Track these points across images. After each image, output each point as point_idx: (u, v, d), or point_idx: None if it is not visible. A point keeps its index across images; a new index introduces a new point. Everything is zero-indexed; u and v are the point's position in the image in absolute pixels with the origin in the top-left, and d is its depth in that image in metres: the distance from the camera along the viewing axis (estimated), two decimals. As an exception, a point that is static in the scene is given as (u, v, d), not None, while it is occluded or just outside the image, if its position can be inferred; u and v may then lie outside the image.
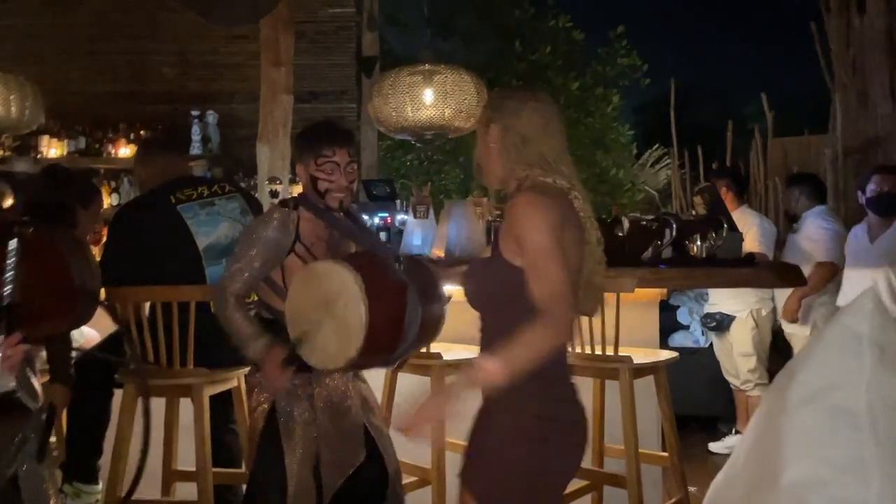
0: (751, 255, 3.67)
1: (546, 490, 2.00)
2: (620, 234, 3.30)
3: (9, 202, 4.55)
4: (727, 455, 5.34)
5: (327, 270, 2.26)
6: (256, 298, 2.68)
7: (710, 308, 5.29)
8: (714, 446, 5.29)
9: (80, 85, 7.23)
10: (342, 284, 2.18)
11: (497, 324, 1.98)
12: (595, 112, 11.44)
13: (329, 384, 2.54)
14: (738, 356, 5.13)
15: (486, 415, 2.04)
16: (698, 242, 3.42)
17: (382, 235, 4.17)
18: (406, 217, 3.86)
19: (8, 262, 1.67)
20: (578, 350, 3.08)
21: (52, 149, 6.78)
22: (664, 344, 5.17)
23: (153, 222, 3.20)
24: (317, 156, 2.52)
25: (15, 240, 1.68)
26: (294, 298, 2.34)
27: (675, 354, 3.34)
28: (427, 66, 3.92)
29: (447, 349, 3.15)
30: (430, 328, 2.42)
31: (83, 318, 2.89)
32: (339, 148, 2.53)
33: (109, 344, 3.31)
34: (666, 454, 3.37)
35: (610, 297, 2.79)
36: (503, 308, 1.97)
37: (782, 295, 4.87)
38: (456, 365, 3.16)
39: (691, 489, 3.40)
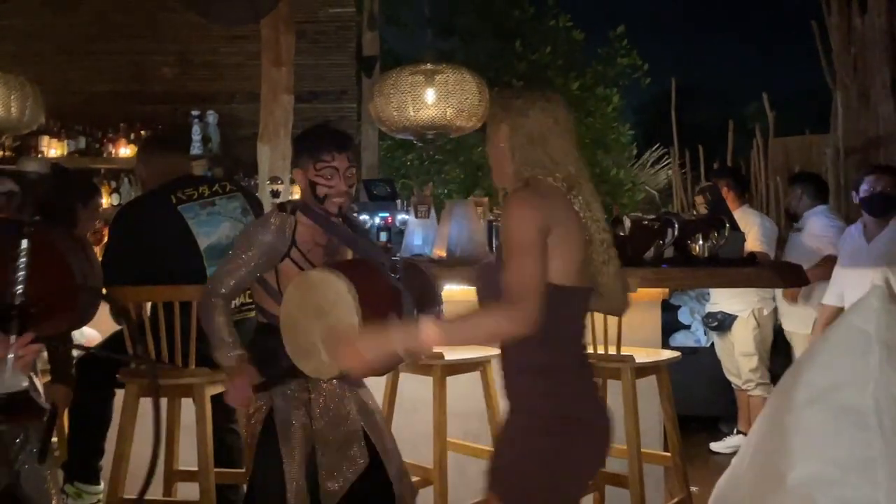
0: (752, 255, 3.66)
1: (563, 488, 2.01)
2: (622, 233, 3.30)
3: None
4: (729, 455, 5.37)
5: (322, 280, 2.25)
6: (251, 300, 2.69)
7: (711, 308, 5.29)
8: (715, 446, 5.29)
9: (80, 85, 7.22)
10: (336, 294, 2.17)
11: None
12: (595, 112, 11.44)
13: (326, 390, 2.52)
14: (739, 356, 5.13)
15: (506, 417, 2.07)
16: (700, 242, 3.42)
17: (383, 235, 4.16)
18: (407, 217, 3.85)
19: (19, 261, 1.66)
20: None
21: (53, 149, 6.77)
22: (665, 344, 5.17)
23: (154, 222, 3.19)
24: (316, 161, 2.49)
25: (26, 239, 1.67)
26: (289, 307, 2.33)
27: (677, 354, 3.34)
28: (429, 66, 3.91)
29: (449, 349, 3.15)
30: None
31: (85, 318, 2.89)
32: (339, 153, 2.50)
33: (111, 344, 3.31)
34: (668, 454, 3.37)
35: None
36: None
37: (782, 299, 4.87)
38: (457, 365, 3.16)
39: (693, 489, 3.39)
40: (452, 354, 3.13)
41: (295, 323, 2.31)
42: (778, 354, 5.25)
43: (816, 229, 4.74)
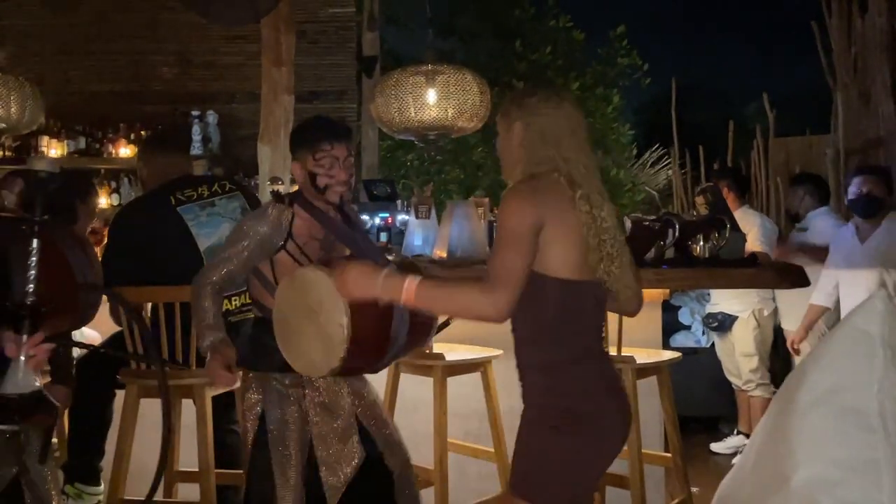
0: (753, 256, 3.66)
1: (573, 483, 2.03)
2: (623, 234, 3.29)
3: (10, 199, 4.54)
4: (729, 455, 5.38)
5: (313, 278, 2.24)
6: (250, 301, 2.69)
7: (711, 308, 5.29)
8: (716, 446, 5.29)
9: (80, 85, 7.22)
10: (327, 293, 2.16)
11: (512, 320, 2.02)
12: (595, 112, 11.43)
13: (320, 385, 2.52)
14: (739, 356, 5.13)
15: (522, 415, 2.10)
16: (701, 243, 3.41)
17: (383, 236, 4.16)
18: (407, 217, 3.85)
19: (30, 260, 1.65)
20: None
21: (52, 149, 6.77)
22: (666, 344, 5.16)
23: (154, 224, 3.18)
24: (314, 151, 2.49)
25: (36, 239, 1.66)
26: (280, 304, 2.33)
27: (677, 355, 3.34)
28: (430, 66, 3.91)
29: (450, 350, 3.15)
30: (421, 332, 2.40)
31: (85, 318, 2.88)
32: (338, 142, 2.51)
33: (111, 344, 3.30)
34: (668, 455, 3.37)
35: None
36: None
37: (784, 295, 4.87)
38: (458, 366, 3.16)
39: (694, 489, 3.39)
40: (453, 355, 3.12)
41: (286, 320, 2.31)
42: (778, 355, 5.24)
43: (823, 230, 4.74)
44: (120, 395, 3.15)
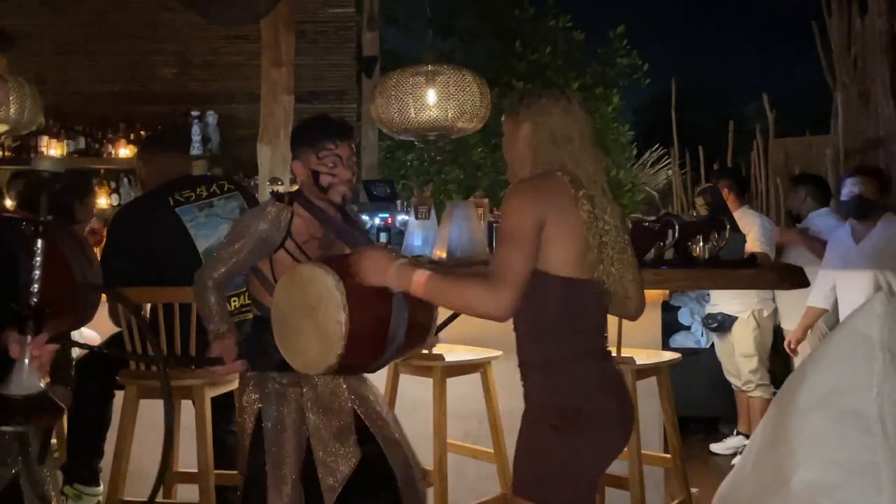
0: (752, 256, 3.66)
1: (574, 481, 2.04)
2: (627, 238, 3.29)
3: (7, 201, 4.54)
4: (729, 456, 5.37)
5: (311, 274, 2.23)
6: (249, 301, 2.70)
7: (711, 309, 5.29)
8: (715, 447, 5.29)
9: (80, 85, 7.22)
10: (324, 289, 2.16)
11: (514, 318, 2.04)
12: (595, 112, 11.43)
13: (319, 383, 2.52)
14: (739, 357, 5.12)
15: (523, 414, 2.11)
16: (700, 243, 3.42)
17: (383, 236, 4.16)
18: (407, 218, 3.85)
19: (35, 261, 1.65)
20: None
21: (52, 149, 6.77)
22: (665, 345, 5.16)
23: (152, 225, 3.18)
24: (318, 149, 2.50)
25: (40, 239, 1.66)
26: (279, 301, 2.33)
27: (677, 356, 3.34)
28: (430, 67, 3.91)
29: (450, 350, 3.14)
30: (419, 332, 2.39)
31: (84, 318, 2.88)
32: (342, 141, 2.52)
33: (110, 345, 3.30)
34: (668, 455, 3.36)
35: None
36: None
37: (784, 296, 4.87)
38: (458, 367, 3.16)
39: (693, 490, 3.39)
40: (453, 355, 3.12)
41: (285, 318, 2.30)
42: (778, 355, 5.24)
43: (823, 230, 4.75)
44: (119, 395, 3.15)
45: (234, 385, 3.06)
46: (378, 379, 2.77)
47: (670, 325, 6.00)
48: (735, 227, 3.57)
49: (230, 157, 6.89)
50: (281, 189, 4.36)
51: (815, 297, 4.44)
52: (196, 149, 6.79)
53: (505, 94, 9.90)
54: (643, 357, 3.16)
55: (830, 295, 4.43)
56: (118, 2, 7.29)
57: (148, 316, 3.12)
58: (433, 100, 3.86)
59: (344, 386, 2.55)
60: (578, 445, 2.01)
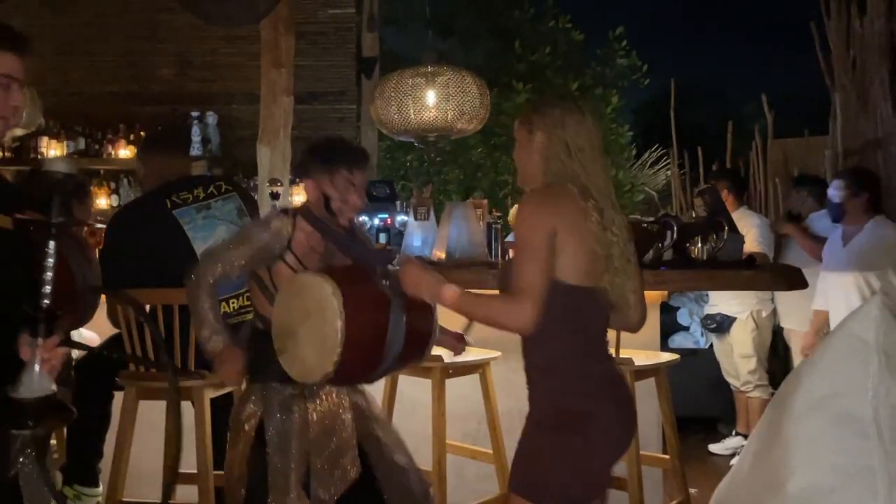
0: (751, 257, 3.67)
1: (571, 483, 2.05)
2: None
3: None
4: (727, 456, 5.38)
5: (310, 283, 2.27)
6: (248, 303, 2.69)
7: (710, 309, 5.30)
8: (714, 447, 5.29)
9: (80, 86, 7.22)
10: (322, 298, 2.19)
11: None
12: (594, 113, 11.41)
13: (323, 397, 2.52)
14: (738, 357, 5.13)
15: (527, 415, 2.14)
16: (699, 244, 3.42)
17: (382, 237, 4.16)
18: (406, 218, 3.85)
19: (47, 262, 1.64)
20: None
21: (52, 150, 6.77)
22: (664, 345, 5.17)
23: (150, 227, 3.19)
24: (333, 175, 2.52)
25: (53, 241, 1.65)
26: (279, 308, 2.36)
27: (675, 357, 3.34)
28: (430, 68, 3.91)
29: (448, 352, 3.14)
30: (418, 344, 2.40)
31: (83, 319, 2.89)
32: (358, 169, 2.54)
33: (110, 346, 3.30)
34: (667, 456, 3.37)
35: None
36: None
37: (783, 296, 4.88)
38: (457, 367, 3.16)
39: (692, 491, 3.40)
40: (451, 357, 3.12)
41: (284, 325, 2.33)
42: (776, 356, 5.25)
43: (824, 232, 4.75)
44: (118, 396, 3.16)
45: (234, 386, 3.06)
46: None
47: (669, 326, 6.01)
48: (734, 228, 3.58)
49: (230, 157, 6.88)
50: (280, 189, 4.37)
51: (819, 300, 4.44)
52: (196, 150, 6.79)
53: (504, 94, 9.91)
54: (642, 358, 3.17)
55: None
56: (118, 3, 7.29)
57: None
58: (433, 101, 3.87)
59: (346, 401, 2.55)
60: (577, 448, 2.04)
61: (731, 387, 5.26)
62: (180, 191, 3.23)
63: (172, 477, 2.14)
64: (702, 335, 5.94)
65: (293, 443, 2.46)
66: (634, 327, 2.28)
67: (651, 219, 3.61)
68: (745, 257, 3.55)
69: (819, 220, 4.86)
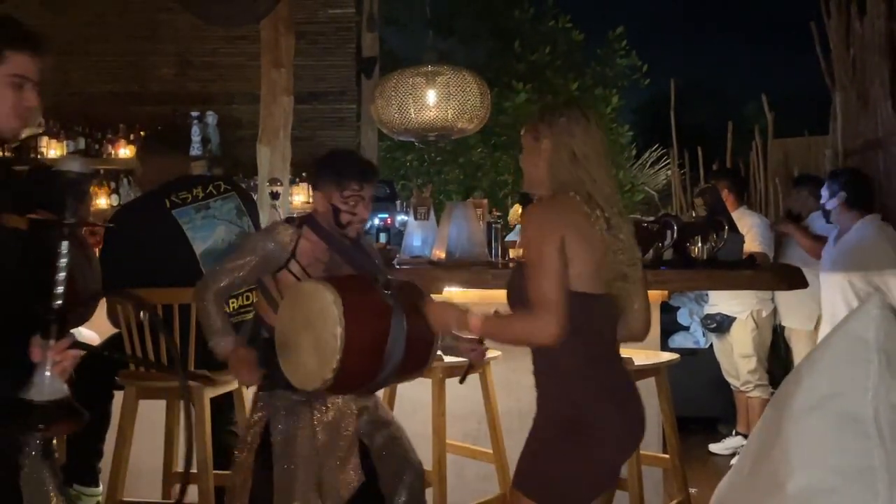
0: (751, 257, 3.67)
1: (574, 485, 2.07)
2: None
3: None
4: (728, 456, 5.38)
5: (311, 291, 2.30)
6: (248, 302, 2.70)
7: (710, 309, 5.30)
8: (714, 447, 5.29)
9: (80, 85, 7.21)
10: (323, 305, 2.21)
11: None
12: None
13: (330, 404, 2.53)
14: (738, 357, 5.13)
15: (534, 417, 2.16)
16: (699, 244, 3.42)
17: (382, 237, 4.16)
18: (406, 218, 3.85)
19: (59, 262, 1.63)
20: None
21: (52, 150, 6.76)
22: (664, 345, 5.17)
23: (149, 227, 3.18)
24: (343, 188, 2.55)
25: (66, 241, 1.63)
26: (282, 316, 2.39)
27: (676, 356, 3.34)
28: (430, 68, 3.91)
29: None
30: (419, 354, 2.40)
31: (83, 318, 2.89)
32: (368, 183, 2.58)
33: (110, 346, 3.30)
34: (667, 456, 3.37)
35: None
36: (523, 309, 2.08)
37: (783, 295, 4.88)
38: (456, 367, 3.16)
39: (692, 490, 3.40)
40: (451, 356, 3.12)
41: (286, 333, 2.35)
42: (776, 356, 5.24)
43: (824, 232, 4.76)
44: (118, 396, 3.16)
45: (233, 386, 3.07)
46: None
47: (669, 326, 6.01)
48: (734, 228, 3.58)
49: (230, 157, 6.88)
50: (279, 189, 4.37)
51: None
52: (196, 149, 6.79)
53: (504, 94, 9.91)
54: (642, 357, 3.16)
55: None
56: (118, 3, 7.28)
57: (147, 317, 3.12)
58: (433, 100, 3.87)
59: (352, 409, 2.55)
60: (584, 451, 2.06)
61: (732, 386, 5.26)
62: (179, 190, 3.23)
63: (185, 478, 2.14)
64: (702, 335, 5.94)
65: (299, 449, 2.47)
66: (639, 335, 2.29)
67: (651, 218, 3.61)
68: (745, 257, 3.56)
69: (819, 220, 4.86)
